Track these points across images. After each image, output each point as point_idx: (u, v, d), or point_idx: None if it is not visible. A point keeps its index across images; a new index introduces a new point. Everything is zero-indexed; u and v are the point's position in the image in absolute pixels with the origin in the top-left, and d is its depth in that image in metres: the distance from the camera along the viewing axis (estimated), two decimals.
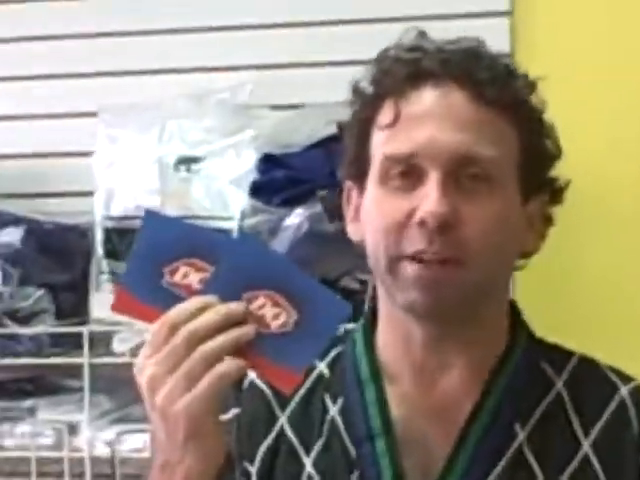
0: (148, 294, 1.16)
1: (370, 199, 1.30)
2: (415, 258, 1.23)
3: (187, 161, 2.26)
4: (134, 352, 2.25)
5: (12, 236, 2.31)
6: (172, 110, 2.33)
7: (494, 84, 1.28)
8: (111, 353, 2.29)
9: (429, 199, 1.22)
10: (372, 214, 1.29)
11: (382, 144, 1.29)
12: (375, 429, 1.30)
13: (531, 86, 1.33)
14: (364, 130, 1.34)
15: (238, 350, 1.10)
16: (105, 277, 2.30)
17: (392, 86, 1.30)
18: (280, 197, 2.13)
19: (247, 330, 1.11)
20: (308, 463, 1.34)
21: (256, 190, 2.14)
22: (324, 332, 1.16)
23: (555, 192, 1.38)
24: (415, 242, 1.23)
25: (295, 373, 1.13)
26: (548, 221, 1.38)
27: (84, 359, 2.27)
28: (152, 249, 1.17)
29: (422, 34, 1.36)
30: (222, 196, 2.24)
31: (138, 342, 2.25)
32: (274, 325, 1.11)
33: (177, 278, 1.16)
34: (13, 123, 2.51)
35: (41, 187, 2.49)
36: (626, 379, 1.38)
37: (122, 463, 2.27)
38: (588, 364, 1.40)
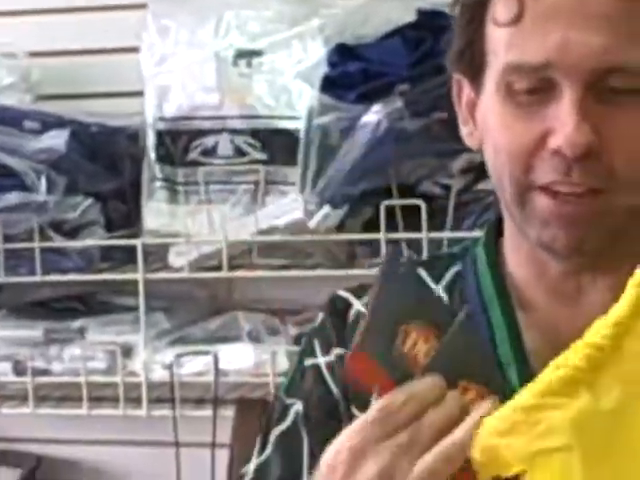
0: (384, 356, 1.07)
1: (490, 109, 1.15)
2: (549, 190, 1.10)
3: (247, 54, 2.13)
4: (193, 267, 2.18)
5: (56, 140, 2.17)
6: None
7: None
8: (167, 268, 2.20)
9: (566, 124, 1.06)
10: (494, 129, 1.15)
11: (503, 47, 1.12)
12: (505, 356, 1.16)
13: None
14: (476, 16, 1.17)
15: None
16: (158, 184, 2.18)
17: None
18: (355, 92, 2.00)
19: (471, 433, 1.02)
20: None
21: (327, 85, 2.02)
22: None
23: None
24: (549, 172, 1.08)
25: None
26: None
27: (138, 274, 2.17)
28: (394, 302, 1.09)
29: None
30: (287, 93, 2.11)
31: (197, 256, 2.17)
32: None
33: (409, 343, 1.07)
34: (55, 17, 2.40)
35: (87, 87, 2.37)
36: None
37: (181, 387, 2.19)
38: None
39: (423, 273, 1.31)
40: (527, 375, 1.12)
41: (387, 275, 1.12)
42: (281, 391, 1.35)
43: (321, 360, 1.32)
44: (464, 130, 1.25)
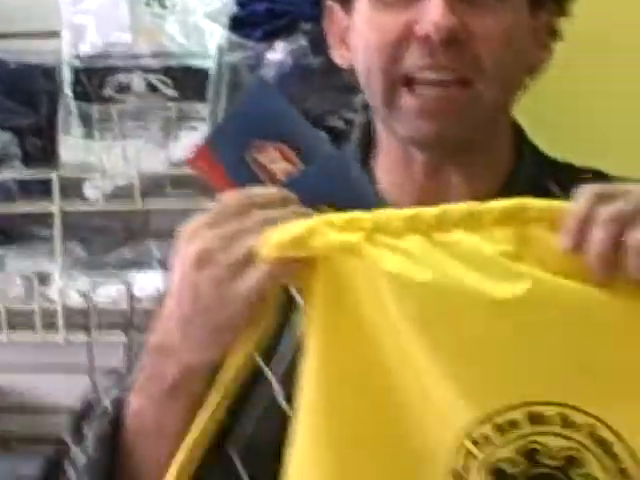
0: (230, 161, 1.12)
1: (361, 17, 1.20)
2: (416, 82, 1.15)
3: None
4: (107, 199, 2.24)
5: None
6: None
7: None
8: (83, 200, 2.26)
9: (432, 12, 1.12)
10: (364, 32, 1.20)
11: None
12: None
13: None
14: None
15: None
16: (74, 120, 2.23)
17: None
18: (261, 31, 2.09)
19: None
20: None
21: (235, 24, 2.10)
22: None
23: (562, 2, 1.31)
24: (416, 59, 1.13)
25: None
26: (555, 34, 1.30)
27: (54, 206, 2.24)
28: (250, 118, 1.12)
29: None
30: (198, 32, 2.18)
31: (112, 188, 2.23)
32: None
33: (264, 159, 1.11)
34: None
35: (4, 26, 2.36)
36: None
37: (97, 314, 2.26)
38: (595, 174, 1.35)
39: None
40: None
41: (260, 89, 1.18)
42: None
43: None
44: (337, 53, 1.30)
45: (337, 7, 1.26)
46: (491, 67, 1.16)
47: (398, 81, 1.16)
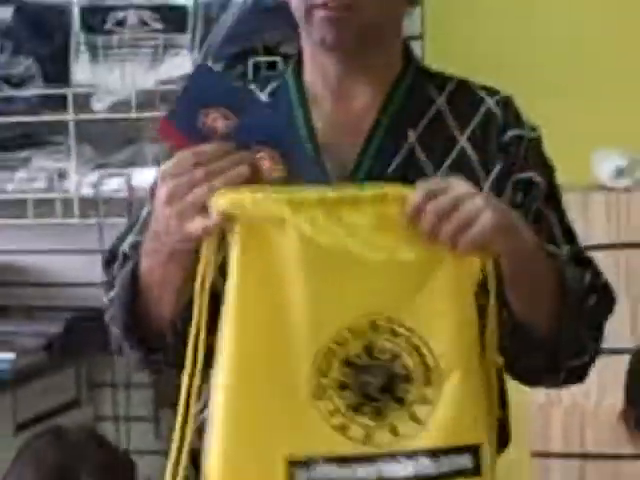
0: (186, 127, 1.35)
1: None
2: (323, 5, 1.50)
3: None
4: (110, 110, 2.67)
5: (3, 14, 2.60)
6: None
7: None
8: (91, 111, 2.67)
9: None
10: None
11: None
12: (299, 134, 1.57)
13: None
14: None
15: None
16: (83, 48, 2.64)
17: None
18: None
19: (244, 172, 1.36)
20: None
21: None
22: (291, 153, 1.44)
23: None
24: None
25: None
26: None
27: (69, 116, 2.63)
28: (195, 94, 1.36)
29: None
30: None
31: (114, 102, 2.65)
32: (268, 176, 1.37)
33: (209, 121, 1.35)
34: None
35: None
36: (493, 92, 1.67)
37: (104, 202, 2.66)
38: (464, 84, 1.68)
39: (252, 85, 1.66)
40: (316, 148, 1.55)
41: (200, 71, 1.45)
42: None
43: None
44: None
45: None
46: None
47: (311, 8, 1.51)
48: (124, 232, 1.65)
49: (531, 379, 1.63)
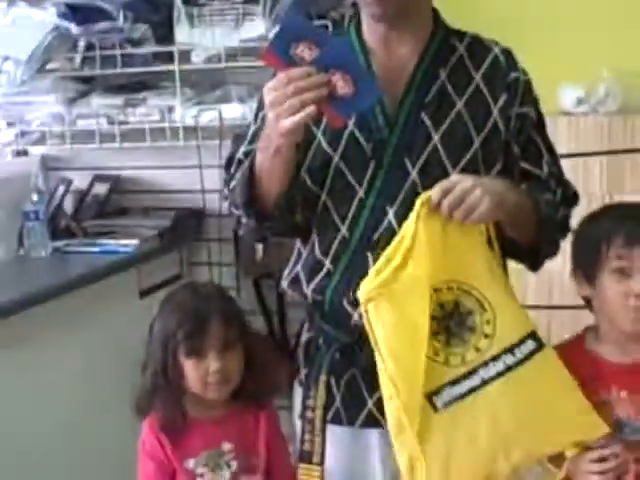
0: (282, 56, 1.59)
1: None
2: None
3: None
4: (204, 62, 3.12)
5: None
6: None
7: None
8: (191, 63, 3.14)
9: None
10: None
11: None
12: (363, 66, 1.79)
13: None
14: None
15: (319, 102, 1.61)
16: (183, 16, 3.12)
17: None
18: None
19: (324, 91, 1.60)
20: None
21: None
22: (365, 103, 1.68)
23: None
24: None
25: (343, 119, 1.69)
26: None
27: (175, 66, 3.14)
28: (288, 31, 1.58)
29: None
30: None
31: (207, 54, 3.09)
32: (340, 92, 1.61)
33: (298, 51, 1.59)
34: None
35: None
36: (496, 43, 1.89)
37: (202, 129, 3.15)
38: (477, 38, 1.88)
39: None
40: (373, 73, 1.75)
41: (291, 16, 1.73)
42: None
43: None
44: None
45: None
46: None
47: None
48: (237, 144, 1.94)
49: (526, 262, 1.94)
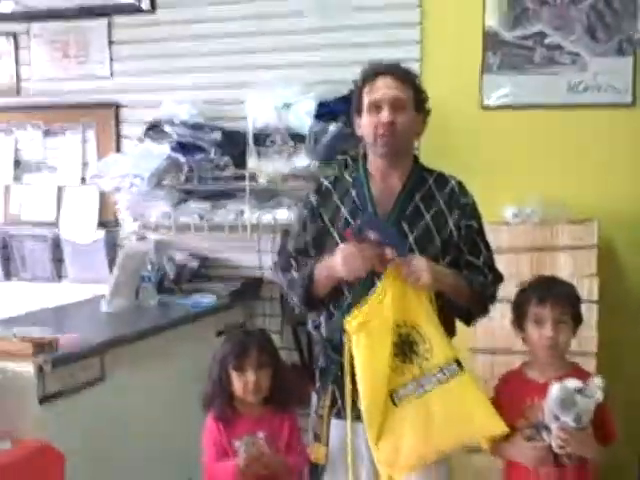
0: (357, 235, 1.83)
1: (364, 117, 1.97)
2: (381, 136, 1.92)
3: None
4: (267, 182, 3.31)
5: (215, 135, 3.40)
6: None
7: (404, 73, 1.95)
8: (257, 182, 3.35)
9: (385, 115, 1.92)
10: (365, 123, 1.96)
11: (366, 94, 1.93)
12: (367, 197, 2.00)
13: (415, 75, 2.00)
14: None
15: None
16: (253, 152, 3.31)
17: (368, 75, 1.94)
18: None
19: (376, 261, 1.81)
20: (344, 210, 2.02)
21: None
22: (402, 252, 1.87)
23: (426, 113, 2.01)
24: (381, 130, 1.94)
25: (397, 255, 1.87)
26: (425, 122, 2.02)
27: (246, 184, 3.38)
28: (366, 228, 1.82)
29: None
30: None
31: (269, 177, 3.26)
32: (389, 256, 1.82)
33: (368, 234, 1.82)
34: None
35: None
36: (453, 177, 2.03)
37: (262, 227, 3.33)
38: (441, 173, 2.04)
39: (345, 172, 2.05)
40: (372, 199, 1.94)
41: (368, 216, 1.88)
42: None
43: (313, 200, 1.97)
44: (356, 128, 2.01)
45: (356, 114, 1.99)
46: (402, 133, 1.91)
47: (375, 137, 1.92)
48: (289, 239, 2.10)
49: (462, 319, 2.06)
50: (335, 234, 1.97)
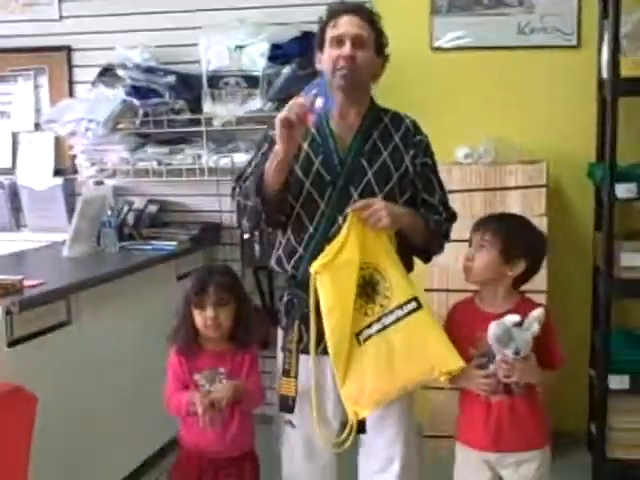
0: (306, 95, 1.78)
1: (325, 53, 1.97)
2: (340, 69, 1.93)
3: None
4: (222, 125, 3.30)
5: (170, 79, 3.35)
6: None
7: (369, 14, 1.98)
8: (212, 126, 3.33)
9: (346, 49, 1.94)
10: (325, 57, 1.97)
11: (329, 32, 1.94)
12: (327, 133, 2.02)
13: (380, 19, 2.03)
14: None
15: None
16: (208, 95, 3.29)
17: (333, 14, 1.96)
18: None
19: (304, 102, 1.79)
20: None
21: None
22: (328, 105, 1.86)
23: (385, 58, 2.03)
24: (341, 62, 1.94)
25: (315, 122, 1.91)
26: (384, 66, 2.04)
27: (202, 128, 3.38)
28: (311, 91, 1.79)
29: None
30: None
31: (223, 120, 3.25)
32: (317, 105, 1.80)
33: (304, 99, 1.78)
34: None
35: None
36: (408, 116, 2.07)
37: (220, 171, 3.32)
38: (396, 112, 2.06)
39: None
40: (332, 133, 1.97)
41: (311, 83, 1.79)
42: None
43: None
44: (316, 64, 2.01)
45: (318, 50, 1.99)
46: (362, 68, 1.93)
47: (334, 70, 1.93)
48: (245, 168, 2.08)
49: (419, 257, 2.09)
50: (297, 168, 1.99)
